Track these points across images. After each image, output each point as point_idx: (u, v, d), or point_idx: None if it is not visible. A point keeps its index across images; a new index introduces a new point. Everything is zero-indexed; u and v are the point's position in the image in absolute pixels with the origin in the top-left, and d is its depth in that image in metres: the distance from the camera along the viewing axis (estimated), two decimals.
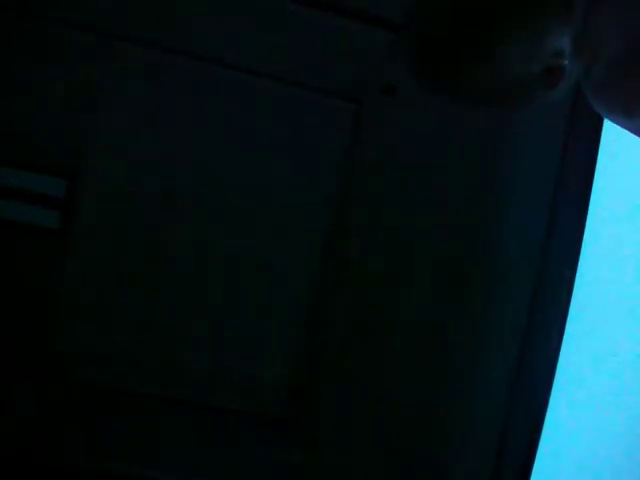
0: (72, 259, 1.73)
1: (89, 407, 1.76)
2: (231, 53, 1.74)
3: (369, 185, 1.83)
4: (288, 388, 1.84)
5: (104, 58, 1.70)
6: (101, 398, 1.77)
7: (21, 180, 1.69)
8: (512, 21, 1.09)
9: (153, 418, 1.80)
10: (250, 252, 1.80)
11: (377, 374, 1.88)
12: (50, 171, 1.70)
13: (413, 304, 1.88)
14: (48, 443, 1.76)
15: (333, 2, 1.76)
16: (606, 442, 2.00)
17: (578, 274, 1.95)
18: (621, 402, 1.99)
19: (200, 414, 1.81)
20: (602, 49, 1.15)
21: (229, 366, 1.81)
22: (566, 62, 1.12)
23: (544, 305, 1.93)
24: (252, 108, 1.77)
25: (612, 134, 1.94)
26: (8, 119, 1.68)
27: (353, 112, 1.82)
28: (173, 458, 1.82)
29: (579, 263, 1.95)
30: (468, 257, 1.89)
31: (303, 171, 1.80)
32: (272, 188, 1.79)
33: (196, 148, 1.75)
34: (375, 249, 1.85)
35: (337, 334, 1.86)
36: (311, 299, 1.83)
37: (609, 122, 1.91)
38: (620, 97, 1.16)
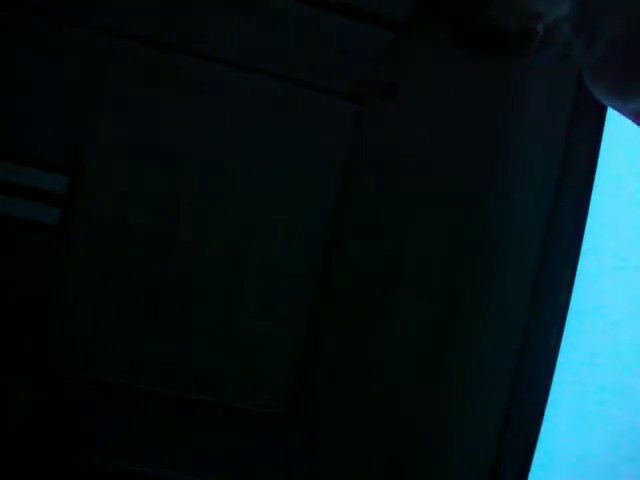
0: (72, 255, 1.73)
1: (88, 405, 1.77)
2: (231, 53, 1.75)
3: (369, 185, 1.84)
4: (288, 387, 1.85)
5: (105, 57, 1.70)
6: (100, 396, 1.77)
7: (22, 176, 1.69)
8: None
9: (152, 415, 1.80)
10: (250, 252, 1.80)
11: (377, 374, 1.88)
12: (51, 167, 1.70)
13: (413, 304, 1.88)
14: (48, 441, 1.76)
15: (334, 2, 1.76)
16: (606, 442, 2.00)
17: (578, 273, 1.96)
18: (621, 402, 1.99)
19: (200, 412, 1.82)
20: (601, 30, 1.15)
21: (229, 364, 1.81)
22: (540, 27, 1.14)
23: (543, 304, 1.94)
24: (252, 108, 1.77)
25: (613, 134, 1.95)
26: (9, 116, 1.68)
27: (354, 112, 1.82)
28: (172, 455, 1.83)
29: (579, 262, 1.96)
30: (468, 257, 1.90)
31: (303, 171, 1.80)
32: (272, 188, 1.79)
33: (196, 147, 1.76)
34: (375, 249, 1.86)
35: (337, 334, 1.86)
36: (311, 299, 1.83)
37: (611, 124, 1.92)
38: (616, 80, 1.16)
